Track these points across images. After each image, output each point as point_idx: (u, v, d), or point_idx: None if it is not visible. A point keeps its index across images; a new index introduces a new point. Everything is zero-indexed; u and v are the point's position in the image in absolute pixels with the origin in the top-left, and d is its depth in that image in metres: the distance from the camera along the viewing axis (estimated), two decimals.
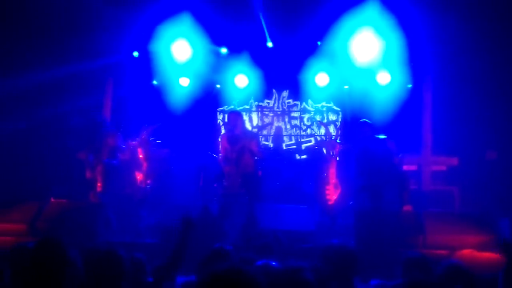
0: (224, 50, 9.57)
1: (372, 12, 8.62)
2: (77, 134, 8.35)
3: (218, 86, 9.99)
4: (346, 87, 9.73)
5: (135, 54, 9.47)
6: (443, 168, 8.73)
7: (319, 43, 9.35)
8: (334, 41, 9.15)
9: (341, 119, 10.18)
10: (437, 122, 8.96)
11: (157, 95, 9.62)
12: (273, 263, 3.22)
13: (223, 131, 9.76)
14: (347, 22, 8.78)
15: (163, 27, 8.93)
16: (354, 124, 7.44)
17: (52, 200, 7.00)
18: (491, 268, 4.69)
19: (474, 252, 5.75)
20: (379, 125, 7.18)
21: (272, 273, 2.99)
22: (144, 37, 9.06)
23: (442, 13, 8.25)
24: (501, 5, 7.72)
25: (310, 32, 9.14)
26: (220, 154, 7.31)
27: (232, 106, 10.25)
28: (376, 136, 6.96)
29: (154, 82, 9.79)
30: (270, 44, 9.45)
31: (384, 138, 6.97)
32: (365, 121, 7.11)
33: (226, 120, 8.85)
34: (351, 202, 7.59)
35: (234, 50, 9.56)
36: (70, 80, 8.93)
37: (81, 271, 3.68)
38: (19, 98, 8.73)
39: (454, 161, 8.66)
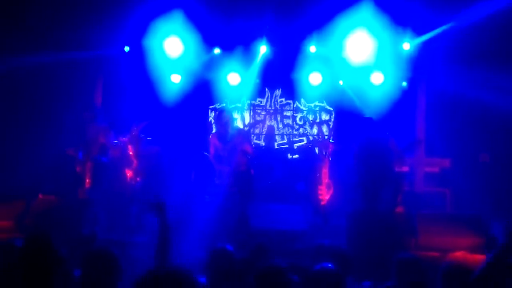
0: (217, 51, 9.49)
1: (366, 13, 8.59)
2: (67, 130, 8.23)
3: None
4: (340, 82, 9.65)
5: (126, 49, 9.35)
6: (436, 170, 8.71)
7: (310, 48, 9.30)
8: (328, 41, 9.11)
9: (334, 119, 10.14)
10: (430, 123, 8.94)
11: (148, 92, 9.53)
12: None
13: (214, 129, 9.68)
14: (341, 22, 8.74)
15: (155, 24, 8.84)
16: (357, 120, 7.38)
17: (40, 196, 6.89)
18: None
19: (466, 254, 5.71)
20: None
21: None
22: (136, 33, 8.96)
23: (437, 14, 8.23)
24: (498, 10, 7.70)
25: (304, 32, 9.09)
26: (210, 153, 7.22)
27: (224, 104, 10.18)
28: (378, 133, 6.90)
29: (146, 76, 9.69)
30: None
31: (385, 136, 6.92)
32: (368, 117, 7.09)
33: (216, 118, 8.77)
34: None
35: (227, 48, 9.48)
36: (60, 75, 8.80)
37: (72, 268, 3.60)
38: (7, 92, 8.59)
39: (447, 163, 8.64)
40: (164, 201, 3.51)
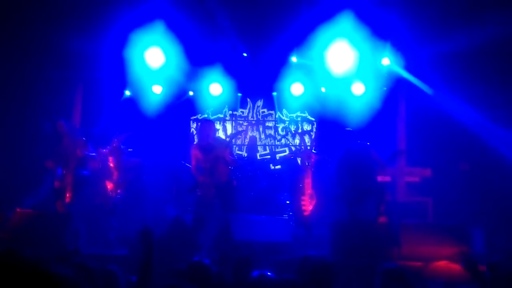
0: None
1: (347, 24, 8.65)
2: (45, 141, 8.08)
3: (191, 93, 9.83)
4: (323, 89, 9.65)
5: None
6: (417, 179, 8.76)
7: (292, 59, 9.32)
8: (309, 52, 9.15)
9: (316, 129, 10.16)
10: (411, 133, 9.01)
11: (129, 103, 9.43)
12: (269, 273, 3.17)
13: (196, 140, 9.62)
14: (322, 33, 8.79)
15: (136, 35, 8.79)
16: (337, 133, 7.46)
17: (18, 210, 6.73)
18: (465, 280, 4.68)
19: (449, 263, 5.73)
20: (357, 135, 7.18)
21: (268, 284, 2.98)
22: (117, 43, 8.89)
23: (416, 24, 8.34)
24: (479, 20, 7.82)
25: (286, 43, 9.11)
26: (192, 164, 7.15)
27: (206, 115, 10.14)
28: (359, 144, 6.97)
29: (127, 92, 9.56)
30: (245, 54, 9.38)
31: (367, 146, 6.98)
32: (349, 130, 7.17)
33: (198, 129, 8.73)
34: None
35: (208, 59, 9.45)
36: (39, 85, 8.68)
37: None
38: None
39: (428, 172, 8.70)
40: (151, 230, 3.39)
